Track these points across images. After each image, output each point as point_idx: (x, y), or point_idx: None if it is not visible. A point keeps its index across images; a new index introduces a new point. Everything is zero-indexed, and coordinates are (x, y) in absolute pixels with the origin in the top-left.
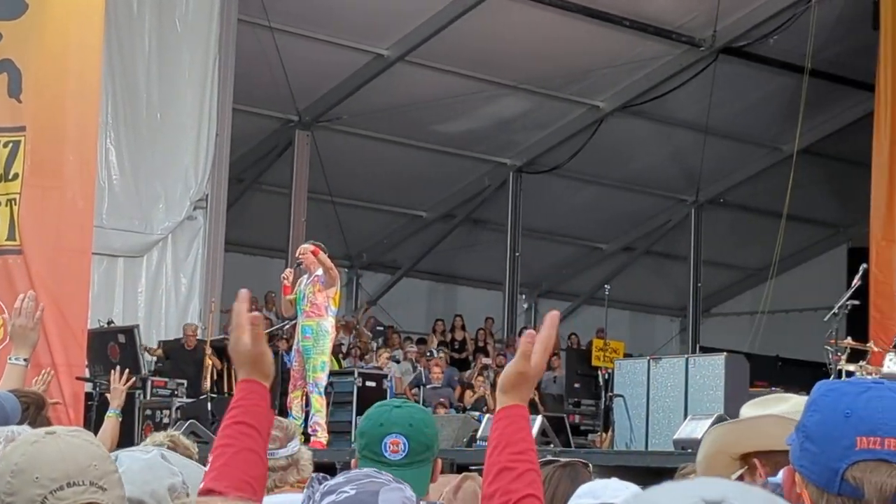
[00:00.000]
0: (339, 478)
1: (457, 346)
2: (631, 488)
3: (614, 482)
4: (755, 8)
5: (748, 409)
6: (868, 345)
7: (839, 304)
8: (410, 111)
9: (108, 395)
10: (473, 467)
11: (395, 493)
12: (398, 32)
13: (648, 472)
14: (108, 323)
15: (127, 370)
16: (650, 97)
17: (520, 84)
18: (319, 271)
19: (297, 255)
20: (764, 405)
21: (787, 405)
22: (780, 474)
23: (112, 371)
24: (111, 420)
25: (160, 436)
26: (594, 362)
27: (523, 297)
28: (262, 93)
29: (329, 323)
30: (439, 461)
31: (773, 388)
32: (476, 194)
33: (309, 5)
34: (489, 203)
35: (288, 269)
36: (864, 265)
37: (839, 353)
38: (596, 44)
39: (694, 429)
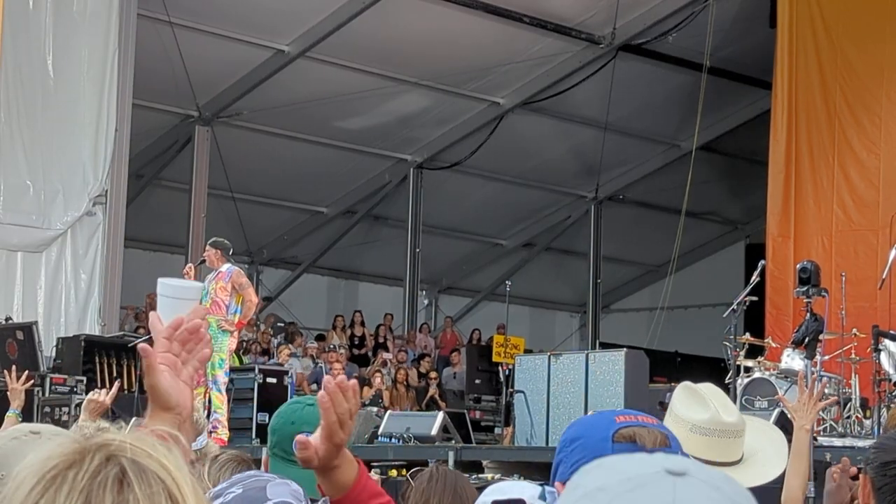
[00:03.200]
0: (223, 483)
1: (356, 342)
2: (535, 487)
3: (518, 482)
4: (654, 6)
5: (680, 405)
6: (766, 340)
7: (738, 301)
8: (311, 107)
9: (8, 395)
10: (375, 464)
11: (282, 487)
12: (299, 28)
13: (549, 468)
14: (6, 319)
15: (26, 371)
16: (550, 94)
17: (420, 80)
18: (223, 268)
19: (203, 253)
20: (695, 399)
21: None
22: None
23: (7, 371)
24: (11, 420)
25: (91, 428)
26: (495, 358)
27: (424, 293)
28: (161, 88)
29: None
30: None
31: (673, 384)
32: (377, 190)
33: (209, 1)
34: (390, 199)
35: (189, 265)
36: (763, 261)
37: (737, 350)
38: (496, 40)
39: None
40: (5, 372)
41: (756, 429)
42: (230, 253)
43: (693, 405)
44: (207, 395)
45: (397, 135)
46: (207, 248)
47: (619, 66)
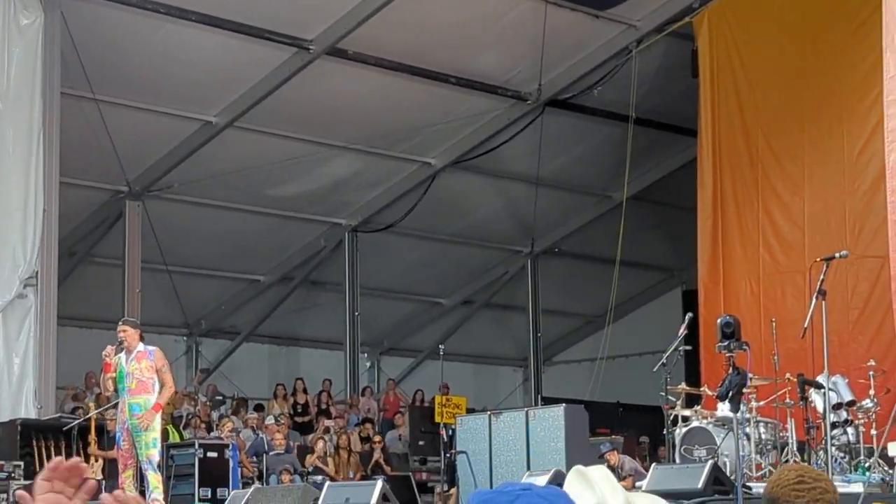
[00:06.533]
0: None
1: (299, 410)
2: None
3: None
4: (577, 61)
5: (570, 490)
6: (702, 389)
7: (667, 355)
8: (242, 176)
9: None
10: None
11: None
12: (225, 99)
13: None
14: None
15: None
16: (481, 152)
17: (350, 144)
18: (141, 347)
19: (118, 333)
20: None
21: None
22: None
23: None
24: None
25: None
26: (437, 419)
27: (365, 355)
28: (90, 165)
29: (156, 398)
30: None
31: (613, 435)
32: (312, 255)
33: (132, 76)
34: (326, 264)
35: (109, 347)
36: (690, 314)
37: (670, 404)
38: (424, 101)
39: None
40: None
41: None
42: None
43: (582, 490)
44: (138, 475)
45: (330, 199)
46: (125, 328)
47: (548, 122)
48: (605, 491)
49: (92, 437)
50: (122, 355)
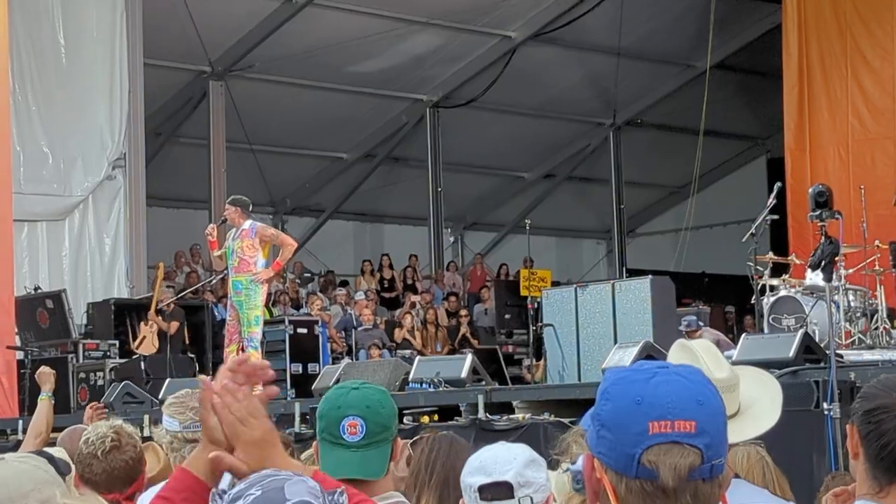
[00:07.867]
0: (241, 484)
1: (386, 286)
2: (520, 456)
3: (502, 452)
4: None
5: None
6: (790, 258)
7: (756, 224)
8: (323, 54)
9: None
10: (407, 411)
11: (299, 486)
12: None
13: (581, 405)
14: (35, 289)
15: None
16: (561, 23)
17: (431, 19)
18: (245, 224)
19: (223, 212)
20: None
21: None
22: (580, 461)
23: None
24: (44, 403)
25: (103, 427)
26: (522, 292)
27: (449, 230)
28: (172, 46)
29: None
30: (399, 440)
31: (698, 305)
32: (395, 132)
33: None
34: (408, 140)
35: (211, 226)
36: (779, 183)
37: (759, 274)
38: None
39: (621, 357)
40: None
41: (754, 379)
42: (250, 209)
43: (686, 363)
44: (239, 351)
45: (411, 75)
46: (227, 206)
47: None
48: (710, 363)
49: (153, 309)
50: (232, 232)
